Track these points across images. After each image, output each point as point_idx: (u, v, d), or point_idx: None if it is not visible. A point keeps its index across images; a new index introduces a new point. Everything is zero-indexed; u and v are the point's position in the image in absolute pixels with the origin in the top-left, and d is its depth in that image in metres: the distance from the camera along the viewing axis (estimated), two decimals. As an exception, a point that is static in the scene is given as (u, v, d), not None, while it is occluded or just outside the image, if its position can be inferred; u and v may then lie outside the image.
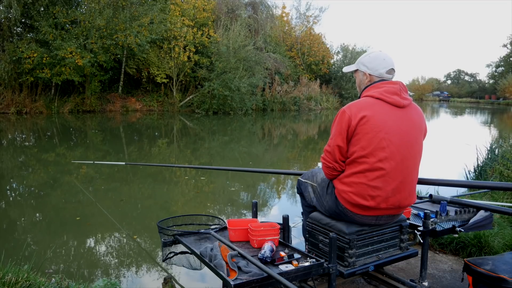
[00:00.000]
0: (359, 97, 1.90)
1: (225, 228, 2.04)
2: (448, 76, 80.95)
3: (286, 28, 30.46)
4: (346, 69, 2.06)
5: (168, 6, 19.98)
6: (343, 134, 1.76)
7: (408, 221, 2.05)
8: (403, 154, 1.74)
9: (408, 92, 1.88)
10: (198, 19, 21.34)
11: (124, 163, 4.24)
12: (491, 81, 60.30)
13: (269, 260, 1.60)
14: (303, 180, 2.15)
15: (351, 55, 29.03)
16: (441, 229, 2.18)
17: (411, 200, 1.82)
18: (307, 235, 2.03)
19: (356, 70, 1.95)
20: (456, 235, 2.33)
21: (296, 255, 1.66)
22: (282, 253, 1.65)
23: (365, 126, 1.71)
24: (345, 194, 1.78)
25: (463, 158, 6.05)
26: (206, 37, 20.67)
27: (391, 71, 1.86)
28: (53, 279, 2.34)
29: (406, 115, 1.78)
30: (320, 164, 1.96)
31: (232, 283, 1.41)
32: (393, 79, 1.89)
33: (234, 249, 1.68)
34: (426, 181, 2.07)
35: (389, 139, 1.71)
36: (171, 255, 1.99)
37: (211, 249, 1.67)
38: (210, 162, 8.13)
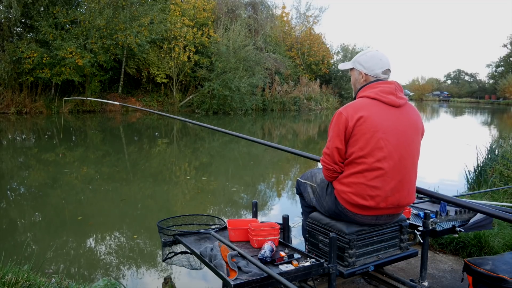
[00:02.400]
0: (354, 97, 1.91)
1: (225, 228, 2.04)
2: (448, 76, 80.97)
3: (286, 28, 30.45)
4: (341, 66, 2.04)
5: (168, 6, 19.98)
6: (341, 136, 1.76)
7: (408, 221, 2.04)
8: (401, 153, 1.74)
9: (408, 92, 1.88)
10: (198, 19, 21.33)
11: (118, 103, 4.16)
12: (491, 81, 60.27)
13: (269, 260, 1.60)
14: (302, 181, 2.15)
15: (351, 55, 29.04)
16: (441, 229, 2.18)
17: (410, 199, 1.82)
18: (307, 235, 2.03)
19: (352, 68, 1.94)
20: (456, 235, 2.33)
21: (296, 255, 1.66)
22: (282, 253, 1.65)
23: (362, 126, 1.71)
24: (345, 194, 1.78)
25: (463, 158, 6.06)
26: (206, 37, 20.67)
27: (387, 71, 1.86)
28: (53, 279, 2.35)
29: (403, 114, 1.78)
30: (319, 165, 1.97)
31: (232, 283, 1.41)
32: (389, 79, 1.89)
33: (234, 249, 1.68)
34: (424, 191, 2.04)
35: (386, 138, 1.71)
36: (171, 255, 1.99)
37: (211, 249, 1.67)
38: (210, 162, 8.14)
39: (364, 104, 1.76)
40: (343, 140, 1.76)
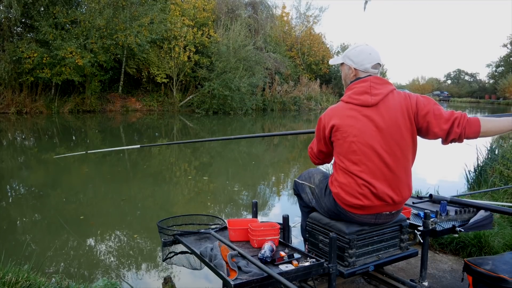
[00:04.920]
0: (344, 93, 1.92)
1: (225, 228, 2.04)
2: (448, 76, 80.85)
3: (286, 28, 30.48)
4: (332, 61, 2.03)
5: (168, 6, 19.99)
6: (323, 141, 1.89)
7: (408, 221, 2.04)
8: (379, 152, 1.72)
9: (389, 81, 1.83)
10: (198, 19, 21.34)
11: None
12: (491, 81, 60.24)
13: (269, 260, 1.60)
14: (300, 182, 2.15)
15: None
16: (441, 229, 2.18)
17: (404, 194, 1.80)
18: (307, 235, 2.03)
19: (342, 63, 1.93)
20: (456, 235, 2.33)
21: (296, 255, 1.66)
22: (282, 253, 1.65)
23: (336, 133, 1.79)
24: (339, 195, 1.80)
25: (463, 158, 6.05)
26: (206, 37, 20.68)
27: (377, 65, 1.83)
28: (53, 279, 2.35)
29: (379, 112, 1.74)
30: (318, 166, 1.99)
31: (232, 283, 1.41)
32: (387, 74, 1.88)
33: (234, 249, 1.68)
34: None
35: (358, 141, 1.73)
36: (171, 255, 1.99)
37: (211, 249, 1.67)
38: (210, 162, 8.13)
39: (338, 110, 1.81)
40: (327, 144, 1.88)
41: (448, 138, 1.73)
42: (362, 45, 1.87)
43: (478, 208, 2.39)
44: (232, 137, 3.38)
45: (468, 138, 1.75)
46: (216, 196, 5.55)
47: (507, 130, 1.76)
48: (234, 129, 14.82)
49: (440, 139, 1.78)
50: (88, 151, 4.68)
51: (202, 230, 2.03)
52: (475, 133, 1.72)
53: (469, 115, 1.78)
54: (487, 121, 1.74)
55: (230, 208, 5.02)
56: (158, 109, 20.41)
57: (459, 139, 1.74)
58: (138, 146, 4.08)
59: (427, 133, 1.77)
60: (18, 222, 4.24)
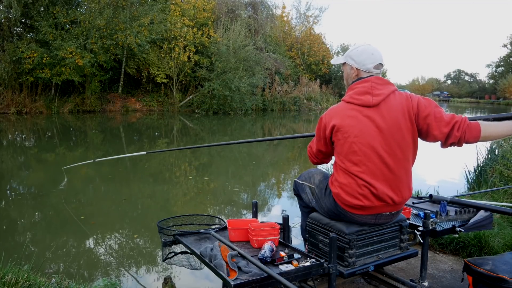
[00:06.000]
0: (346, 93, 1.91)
1: (225, 228, 2.04)
2: (448, 76, 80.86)
3: (286, 28, 30.50)
4: (334, 61, 2.03)
5: (168, 6, 20.00)
6: (323, 140, 1.88)
7: (408, 221, 2.04)
8: (380, 153, 1.72)
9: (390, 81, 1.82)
10: (198, 19, 21.35)
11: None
12: (491, 81, 60.24)
13: (269, 260, 1.60)
14: (300, 182, 2.15)
15: (351, 55, 29.09)
16: (441, 229, 2.18)
17: (404, 195, 1.79)
18: (307, 235, 2.03)
19: (344, 63, 1.92)
20: (456, 235, 2.33)
21: (296, 255, 1.66)
22: (282, 253, 1.65)
23: (337, 133, 1.78)
24: (339, 196, 1.80)
25: (463, 158, 6.05)
26: (206, 37, 20.69)
27: (379, 65, 1.82)
28: (53, 279, 2.35)
29: (380, 112, 1.73)
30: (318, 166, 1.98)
31: (232, 283, 1.41)
32: (387, 74, 1.87)
33: (234, 249, 1.68)
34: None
35: (359, 142, 1.72)
36: (171, 255, 1.99)
37: (211, 249, 1.67)
38: (210, 162, 8.13)
39: (339, 110, 1.80)
40: (327, 144, 1.87)
41: (447, 141, 1.73)
42: (364, 45, 1.86)
43: (478, 208, 2.39)
44: (236, 141, 3.41)
45: (467, 142, 1.74)
46: (216, 196, 5.54)
47: (507, 135, 1.75)
48: (234, 129, 14.82)
49: (439, 142, 1.78)
50: (96, 159, 4.73)
51: (202, 230, 2.03)
52: (475, 138, 1.71)
53: (470, 116, 1.78)
54: (488, 126, 1.73)
55: (230, 208, 5.02)
56: (158, 109, 20.41)
57: (458, 143, 1.73)
58: (144, 152, 4.12)
59: (427, 135, 1.77)
60: (18, 222, 4.24)
